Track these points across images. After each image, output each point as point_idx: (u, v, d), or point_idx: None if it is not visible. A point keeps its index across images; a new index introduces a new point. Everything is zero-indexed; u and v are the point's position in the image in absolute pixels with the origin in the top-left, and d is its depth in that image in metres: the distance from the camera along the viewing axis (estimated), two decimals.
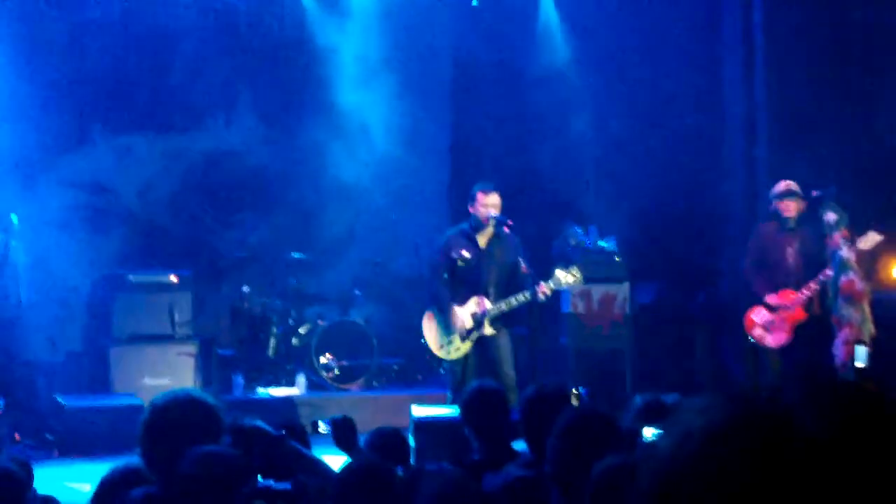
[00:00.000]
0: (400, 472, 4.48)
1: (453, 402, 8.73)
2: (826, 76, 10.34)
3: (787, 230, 9.53)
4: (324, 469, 4.47)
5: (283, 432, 4.49)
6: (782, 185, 9.55)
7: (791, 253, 9.49)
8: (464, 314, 8.92)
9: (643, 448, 4.35)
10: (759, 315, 9.48)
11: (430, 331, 8.97)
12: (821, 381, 1.59)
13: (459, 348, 8.90)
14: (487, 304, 8.91)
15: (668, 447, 1.53)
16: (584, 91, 12.08)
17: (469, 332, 8.89)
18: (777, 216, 9.57)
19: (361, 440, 5.34)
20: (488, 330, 8.92)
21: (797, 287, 9.36)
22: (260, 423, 4.51)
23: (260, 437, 4.39)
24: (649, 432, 4.91)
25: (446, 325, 8.92)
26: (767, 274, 9.53)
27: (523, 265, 8.86)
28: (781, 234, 9.56)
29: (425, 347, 9.09)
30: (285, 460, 4.35)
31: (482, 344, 8.95)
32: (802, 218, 9.51)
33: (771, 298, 9.41)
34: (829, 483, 1.47)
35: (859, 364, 8.81)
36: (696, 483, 1.49)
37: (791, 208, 9.47)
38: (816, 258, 9.34)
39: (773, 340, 9.42)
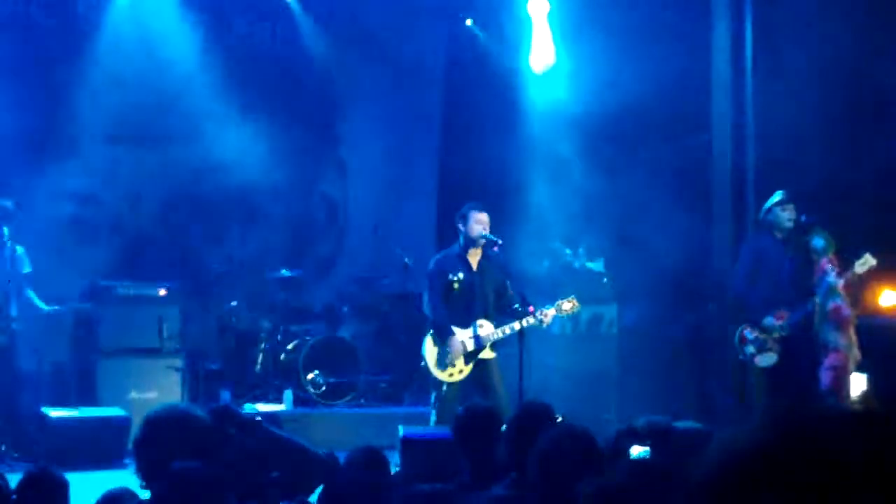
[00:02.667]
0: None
1: (438, 421, 8.76)
2: (814, 99, 10.38)
3: (783, 242, 9.50)
4: (297, 448, 4.51)
5: (259, 418, 4.54)
6: (780, 193, 9.51)
7: (789, 269, 9.42)
8: (466, 336, 8.94)
9: (631, 466, 4.37)
10: (752, 333, 9.41)
11: (432, 353, 8.96)
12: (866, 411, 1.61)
13: (463, 370, 8.92)
14: (491, 329, 8.94)
15: (717, 463, 1.55)
16: (572, 114, 12.13)
17: (473, 354, 8.92)
18: (773, 227, 9.51)
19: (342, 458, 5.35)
20: (490, 353, 8.96)
21: (792, 306, 9.31)
22: (234, 407, 4.58)
23: (236, 420, 4.44)
24: (636, 450, 4.94)
25: (448, 349, 8.91)
26: (762, 289, 9.43)
27: (509, 287, 8.96)
28: (778, 249, 9.50)
29: (425, 368, 9.04)
30: (261, 443, 4.39)
31: (478, 367, 8.98)
32: (791, 235, 9.50)
33: (768, 320, 9.33)
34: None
35: (856, 393, 8.83)
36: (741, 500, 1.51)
37: (792, 212, 9.40)
38: (807, 278, 9.31)
39: (765, 360, 9.38)
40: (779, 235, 9.50)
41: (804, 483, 1.49)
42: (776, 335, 9.30)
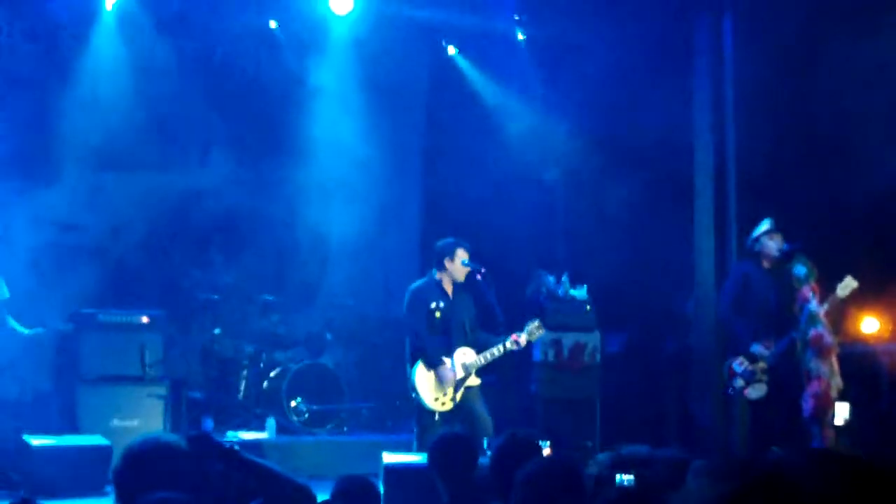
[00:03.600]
0: None
1: (419, 449, 8.76)
2: (794, 127, 10.45)
3: (767, 271, 9.51)
4: (279, 477, 4.49)
5: (236, 446, 4.53)
6: (768, 222, 9.51)
7: (773, 298, 9.41)
8: (455, 365, 8.97)
9: (615, 493, 4.37)
10: (741, 365, 9.34)
11: (424, 384, 8.97)
12: (822, 452, 1.66)
13: (455, 398, 8.96)
14: (474, 356, 9.00)
15: None
16: (555, 140, 12.18)
17: (461, 382, 8.97)
18: (761, 256, 9.49)
19: (330, 487, 5.33)
20: (475, 380, 9.02)
21: (779, 334, 9.29)
22: (213, 435, 4.55)
23: (215, 449, 4.42)
24: (619, 478, 4.94)
25: (440, 378, 8.94)
26: (748, 318, 9.40)
27: (483, 312, 9.07)
28: (764, 277, 9.49)
29: (416, 399, 9.03)
30: (240, 472, 4.38)
31: (462, 393, 9.02)
32: (777, 263, 9.51)
33: (755, 347, 9.31)
34: None
35: (839, 422, 8.84)
36: None
37: (780, 241, 9.40)
38: (792, 306, 9.27)
39: (755, 392, 9.30)
40: (766, 265, 9.51)
41: None
42: (763, 365, 9.27)
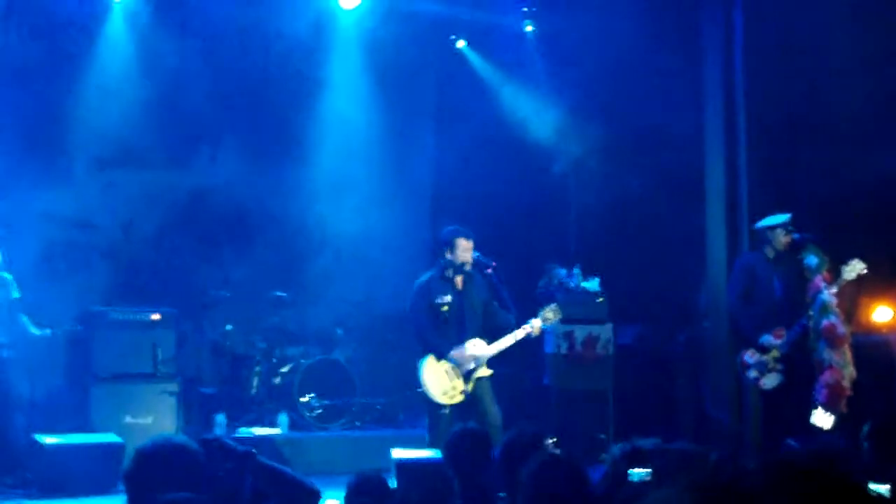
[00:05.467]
0: None
1: (431, 444, 8.72)
2: (805, 115, 10.40)
3: (772, 262, 9.50)
4: (292, 480, 4.48)
5: (253, 450, 4.52)
6: (780, 217, 9.49)
7: (779, 287, 9.42)
8: (463, 356, 8.90)
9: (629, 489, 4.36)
10: (752, 357, 9.34)
11: (431, 378, 8.91)
12: (787, 466, 1.65)
13: (466, 390, 8.89)
14: (485, 346, 8.93)
15: None
16: (566, 132, 12.14)
17: (470, 373, 8.89)
18: (767, 244, 9.49)
19: (345, 482, 5.32)
20: (486, 371, 8.93)
21: (788, 324, 9.26)
22: (227, 440, 4.54)
23: (229, 453, 4.41)
24: (634, 472, 4.91)
25: (448, 370, 8.88)
26: (756, 310, 9.42)
27: (496, 305, 8.99)
28: (768, 267, 9.49)
29: (423, 393, 8.99)
30: (254, 475, 4.38)
31: (473, 385, 8.96)
32: (782, 253, 9.50)
33: (765, 338, 9.30)
34: None
35: (824, 425, 8.79)
36: None
37: (786, 241, 9.40)
38: (800, 295, 9.27)
39: (770, 382, 9.29)
40: (770, 254, 9.47)
41: None
42: (776, 354, 9.26)
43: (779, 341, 9.26)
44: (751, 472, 1.63)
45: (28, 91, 11.52)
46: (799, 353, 9.21)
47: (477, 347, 8.94)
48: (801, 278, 9.26)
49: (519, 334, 8.88)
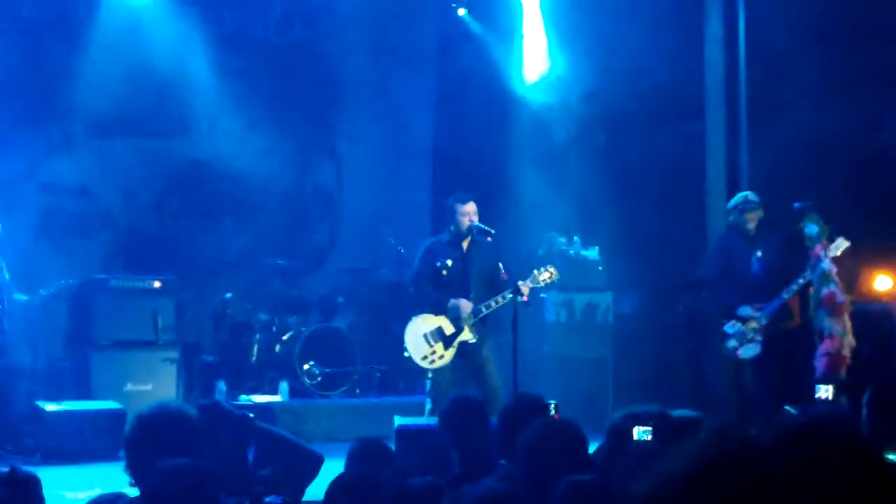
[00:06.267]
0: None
1: (432, 412, 8.74)
2: (809, 81, 10.37)
3: (749, 239, 9.53)
4: (294, 446, 4.51)
5: (250, 415, 4.55)
6: (744, 196, 9.56)
7: (757, 264, 9.47)
8: (445, 321, 8.90)
9: (634, 448, 4.36)
10: (732, 326, 9.39)
11: (412, 342, 8.93)
12: (793, 424, 1.65)
13: (444, 356, 8.88)
14: (469, 307, 8.90)
15: (648, 491, 1.57)
16: (567, 100, 12.11)
17: (452, 337, 8.88)
18: (738, 226, 9.55)
19: (345, 449, 5.34)
20: (470, 336, 8.91)
21: (767, 297, 9.32)
22: (225, 405, 4.57)
23: (226, 417, 4.44)
24: (637, 430, 4.91)
25: (428, 335, 8.89)
26: (734, 285, 9.46)
27: (503, 272, 8.91)
28: (744, 244, 9.53)
29: (408, 358, 9.02)
30: (253, 438, 4.40)
31: (465, 353, 8.94)
32: (761, 227, 9.52)
33: (743, 310, 9.35)
34: None
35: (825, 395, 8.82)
36: None
37: (754, 219, 9.47)
38: (780, 267, 9.34)
39: (747, 352, 9.34)
40: (750, 231, 9.52)
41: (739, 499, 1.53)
42: (755, 325, 9.28)
43: (758, 313, 9.27)
44: (763, 437, 1.63)
45: (26, 59, 11.49)
46: (778, 325, 9.24)
47: (462, 309, 8.91)
48: (780, 255, 9.34)
49: (504, 297, 8.81)
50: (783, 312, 9.24)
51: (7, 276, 9.91)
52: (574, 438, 4.24)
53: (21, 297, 10.01)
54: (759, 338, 9.29)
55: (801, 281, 9.12)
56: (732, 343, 9.35)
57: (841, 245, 9.02)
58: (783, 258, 9.36)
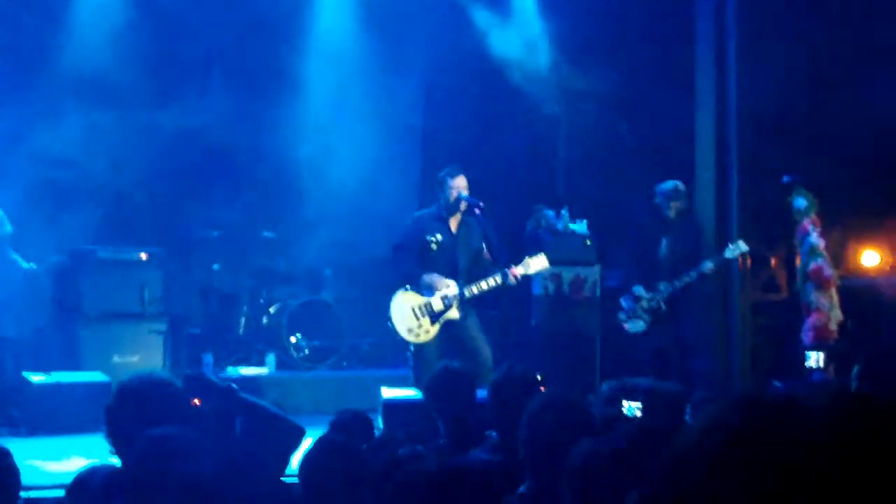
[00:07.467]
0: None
1: (416, 385, 8.74)
2: (798, 60, 10.36)
3: (664, 225, 9.88)
4: (275, 416, 4.50)
5: (234, 385, 4.55)
6: (672, 185, 9.88)
7: (665, 247, 9.90)
8: (434, 284, 8.89)
9: (625, 424, 4.36)
10: (626, 301, 10.03)
11: (398, 314, 8.93)
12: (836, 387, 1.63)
13: (429, 331, 8.88)
14: (455, 290, 8.90)
15: (686, 445, 1.56)
16: (557, 75, 12.08)
17: (439, 314, 8.88)
18: (659, 211, 9.92)
19: (328, 421, 5.35)
20: (455, 313, 8.91)
21: (669, 279, 9.74)
22: (209, 375, 4.57)
23: (211, 388, 4.43)
24: (627, 405, 4.91)
25: (416, 308, 8.88)
26: (644, 265, 10.02)
27: (486, 252, 8.95)
28: (659, 229, 9.94)
29: (392, 330, 9.01)
30: (236, 410, 4.40)
31: (451, 327, 8.94)
32: (680, 214, 9.89)
33: (637, 289, 9.93)
34: (836, 483, 1.50)
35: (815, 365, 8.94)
36: (714, 481, 1.52)
37: (676, 207, 9.85)
38: (688, 253, 9.78)
39: (633, 327, 9.97)
40: (672, 215, 9.91)
41: (774, 461, 1.51)
42: (644, 304, 9.87)
43: (649, 294, 9.81)
44: (804, 394, 1.61)
45: (13, 31, 11.41)
46: (670, 308, 9.84)
47: (449, 289, 8.91)
48: (691, 244, 9.88)
49: (496, 280, 8.83)
50: (672, 297, 9.80)
51: (9, 228, 9.88)
52: (580, 409, 4.24)
53: (25, 264, 9.98)
54: (646, 317, 9.90)
55: (693, 274, 9.66)
56: (622, 316, 10.05)
57: (739, 247, 9.53)
58: (692, 247, 9.85)
